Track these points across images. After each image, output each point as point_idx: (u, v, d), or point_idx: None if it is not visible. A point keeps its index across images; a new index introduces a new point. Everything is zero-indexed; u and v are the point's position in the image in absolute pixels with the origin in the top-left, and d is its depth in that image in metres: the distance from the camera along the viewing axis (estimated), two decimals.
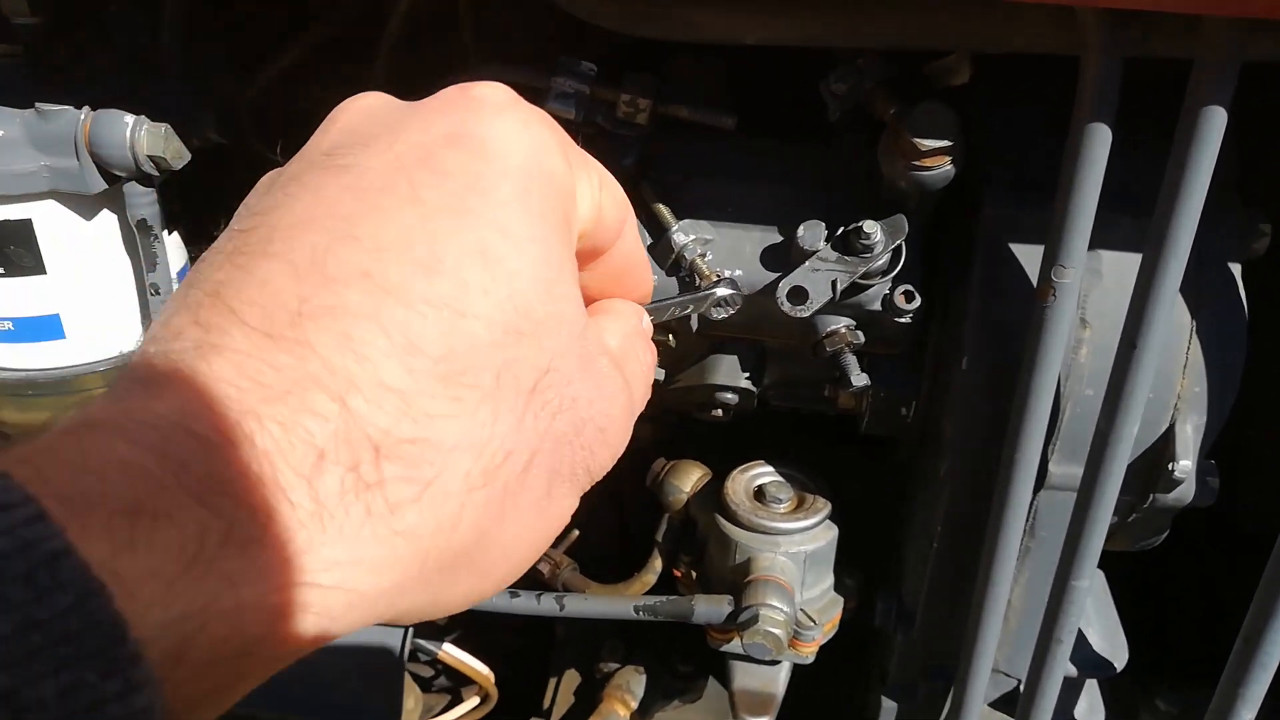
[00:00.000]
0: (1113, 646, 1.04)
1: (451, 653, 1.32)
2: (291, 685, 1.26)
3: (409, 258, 0.33)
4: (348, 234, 0.33)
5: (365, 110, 0.40)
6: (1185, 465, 0.84)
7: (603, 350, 0.42)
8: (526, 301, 0.36)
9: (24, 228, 0.95)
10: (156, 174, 0.94)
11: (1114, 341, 0.78)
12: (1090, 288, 0.84)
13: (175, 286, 1.05)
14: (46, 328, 1.00)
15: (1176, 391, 0.85)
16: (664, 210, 0.89)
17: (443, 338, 0.33)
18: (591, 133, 0.87)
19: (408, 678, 1.32)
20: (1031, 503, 0.87)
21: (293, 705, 1.25)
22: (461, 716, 1.40)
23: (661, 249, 0.89)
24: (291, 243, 0.33)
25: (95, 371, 1.04)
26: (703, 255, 0.87)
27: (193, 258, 1.11)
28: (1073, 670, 0.98)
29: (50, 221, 0.95)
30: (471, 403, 0.34)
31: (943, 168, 0.79)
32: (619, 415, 0.42)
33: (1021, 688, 1.02)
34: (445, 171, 0.36)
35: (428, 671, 1.51)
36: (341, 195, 0.35)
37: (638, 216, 0.93)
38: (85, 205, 0.96)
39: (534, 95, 0.87)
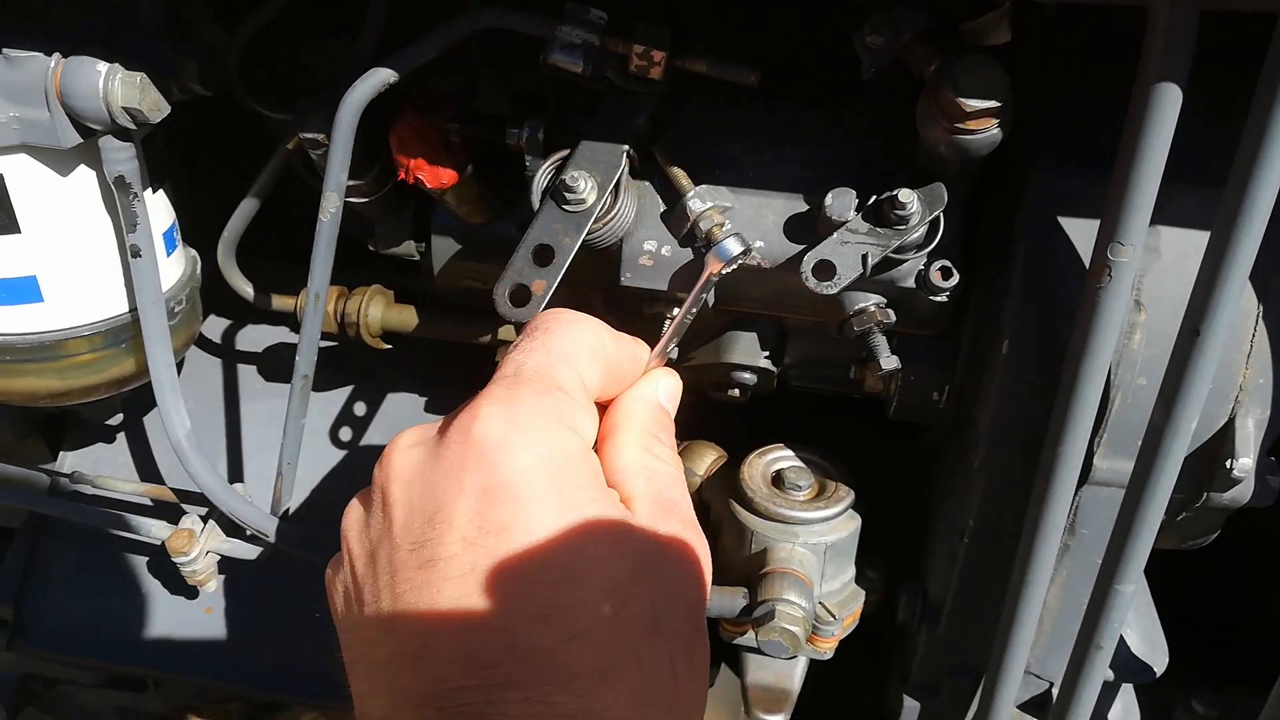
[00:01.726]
0: (1152, 649, 0.97)
1: None
2: (287, 662, 1.21)
3: (500, 642, 0.46)
4: (464, 656, 0.46)
5: (408, 479, 0.52)
6: (1245, 463, 0.77)
7: (664, 540, 0.53)
8: (595, 640, 0.47)
9: None
10: (134, 127, 0.87)
11: (1171, 327, 0.71)
12: (1146, 267, 0.76)
13: (160, 248, 0.99)
14: (23, 290, 0.94)
15: (1239, 383, 0.77)
16: (679, 174, 0.82)
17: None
18: (601, 88, 0.80)
19: None
20: (1073, 498, 0.80)
21: (288, 684, 1.21)
22: None
23: (676, 217, 0.82)
24: (421, 663, 0.47)
25: (78, 337, 0.98)
26: (720, 225, 0.80)
27: (181, 219, 1.05)
28: (1110, 675, 0.92)
29: (22, 177, 0.89)
30: None
31: (988, 131, 0.71)
32: (698, 571, 0.54)
33: (1054, 690, 0.96)
34: (500, 529, 0.47)
35: None
36: (440, 591, 0.47)
37: (650, 181, 0.86)
38: (59, 160, 0.89)
39: (538, 45, 0.80)
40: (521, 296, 0.81)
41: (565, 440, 0.51)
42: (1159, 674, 0.96)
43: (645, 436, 0.57)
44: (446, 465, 0.49)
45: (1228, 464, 0.78)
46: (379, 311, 1.09)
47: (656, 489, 0.55)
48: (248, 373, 1.30)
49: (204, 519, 1.13)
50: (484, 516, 0.47)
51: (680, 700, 0.49)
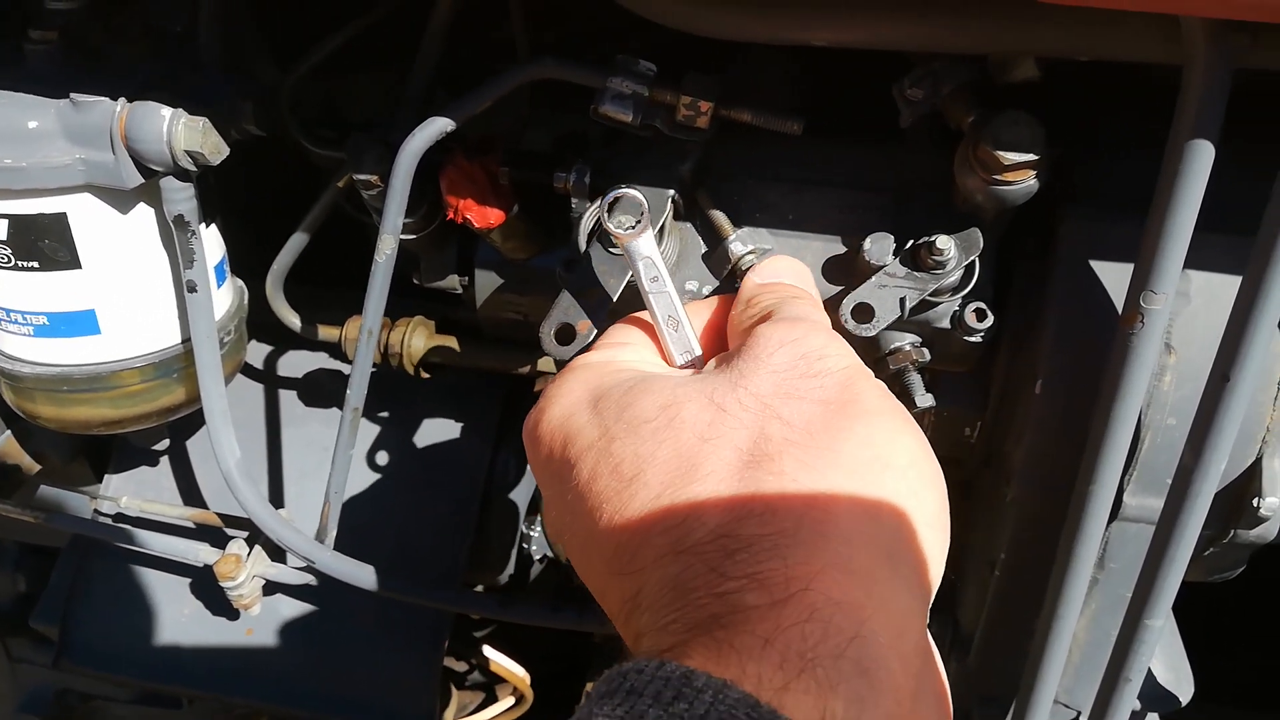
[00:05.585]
0: (1178, 679, 0.99)
1: (489, 654, 1.30)
2: (326, 684, 1.24)
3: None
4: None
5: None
6: (1272, 502, 0.79)
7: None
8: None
9: (58, 221, 0.92)
10: (194, 169, 0.91)
11: (1200, 369, 0.73)
12: (1176, 311, 0.79)
13: (212, 281, 1.02)
14: (81, 323, 0.98)
15: (1266, 424, 0.79)
16: (722, 219, 0.84)
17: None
18: (647, 135, 0.83)
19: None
20: (1103, 533, 0.82)
21: (327, 705, 1.23)
22: (496, 717, 1.38)
23: (717, 259, 0.85)
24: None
25: (131, 368, 1.01)
26: None
27: (230, 250, 1.08)
28: (1137, 705, 0.94)
29: (85, 215, 0.92)
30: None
31: (1025, 182, 0.74)
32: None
33: (1082, 719, 0.98)
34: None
35: (461, 667, 1.49)
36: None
37: (693, 222, 0.89)
38: (121, 199, 0.93)
39: (584, 89, 0.83)
40: (567, 335, 0.83)
41: None
42: (1184, 704, 0.98)
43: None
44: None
45: (1255, 503, 0.80)
46: (421, 342, 1.12)
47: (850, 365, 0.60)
48: (287, 398, 1.33)
49: (249, 544, 1.16)
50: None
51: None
